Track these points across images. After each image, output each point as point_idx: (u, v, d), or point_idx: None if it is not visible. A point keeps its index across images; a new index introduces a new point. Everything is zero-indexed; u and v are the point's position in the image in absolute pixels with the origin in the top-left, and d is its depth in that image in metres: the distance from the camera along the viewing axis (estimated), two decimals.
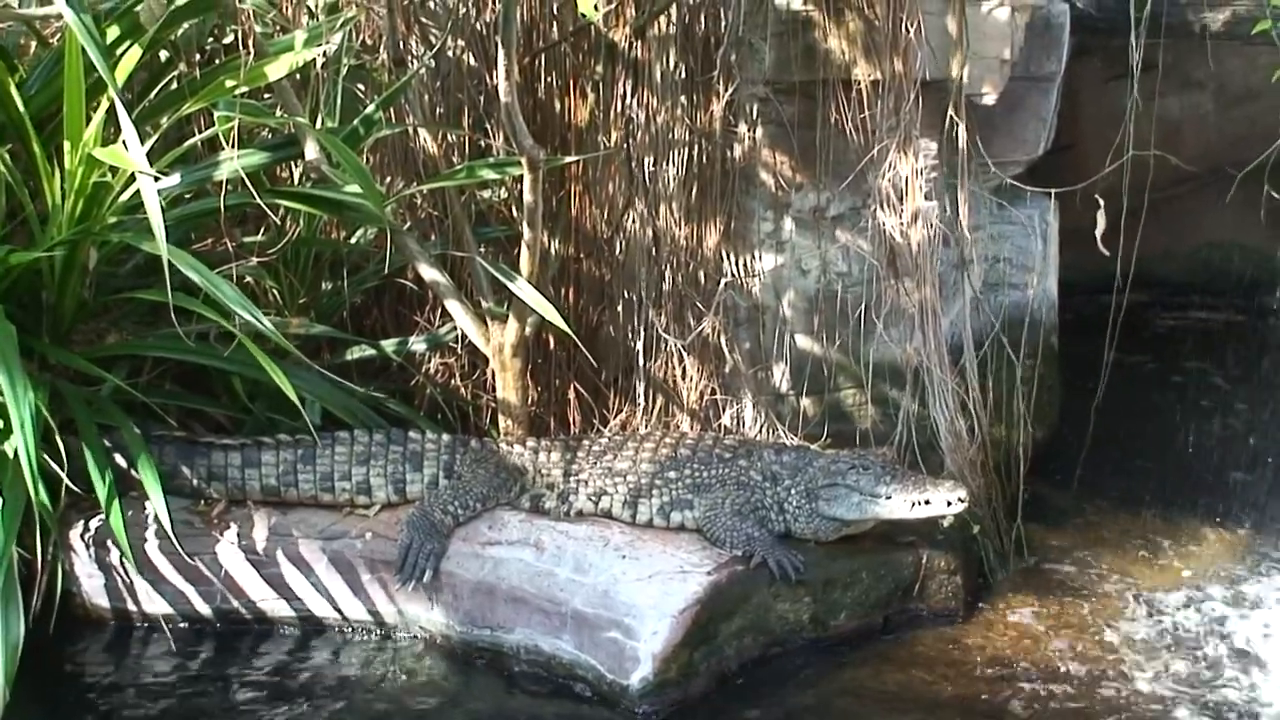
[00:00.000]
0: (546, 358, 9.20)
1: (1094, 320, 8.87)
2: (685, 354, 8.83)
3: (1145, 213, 8.48)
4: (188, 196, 8.30)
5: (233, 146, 7.46)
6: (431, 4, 9.13)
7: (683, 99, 8.68)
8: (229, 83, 7.42)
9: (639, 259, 8.86)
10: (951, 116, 8.24)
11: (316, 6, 8.73)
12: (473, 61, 9.13)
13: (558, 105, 9.03)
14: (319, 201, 8.22)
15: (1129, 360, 8.86)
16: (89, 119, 7.42)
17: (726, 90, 8.58)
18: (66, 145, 7.47)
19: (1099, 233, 8.06)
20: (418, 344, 9.16)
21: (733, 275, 8.83)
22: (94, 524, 7.94)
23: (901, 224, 8.25)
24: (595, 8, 7.75)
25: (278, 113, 8.07)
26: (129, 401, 8.07)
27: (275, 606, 7.98)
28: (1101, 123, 8.76)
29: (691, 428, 8.87)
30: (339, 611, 7.94)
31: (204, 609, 7.98)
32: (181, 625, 7.97)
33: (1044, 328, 9.14)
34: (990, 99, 8.50)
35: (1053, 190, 8.75)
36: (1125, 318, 8.67)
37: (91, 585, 7.98)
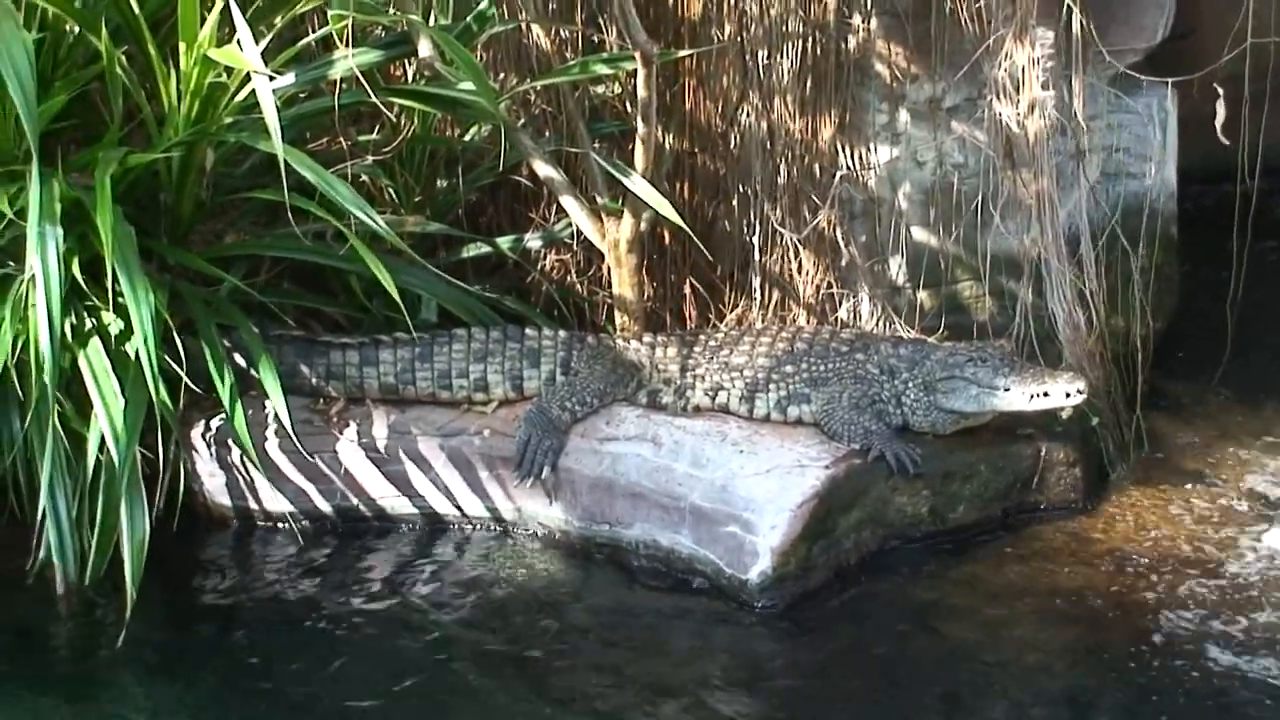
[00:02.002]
0: (662, 253, 9.15)
1: (1214, 209, 8.76)
2: (801, 248, 8.76)
3: (1268, 100, 8.31)
4: (302, 96, 8.29)
5: (346, 45, 7.42)
6: None
7: None
8: None
9: (753, 153, 8.77)
10: (1068, 4, 8.08)
11: None
12: None
13: None
14: (433, 99, 8.18)
15: (1252, 249, 8.69)
16: (203, 20, 7.39)
17: None
18: (182, 46, 7.45)
19: (1219, 122, 7.91)
20: (533, 241, 9.14)
21: (848, 168, 8.74)
22: (215, 423, 8.00)
23: (1018, 114, 8.11)
24: None
25: (391, 10, 8.03)
26: (247, 301, 8.11)
27: (395, 504, 8.03)
28: (1221, 7, 8.55)
29: (808, 322, 8.81)
30: (458, 508, 7.98)
31: (324, 507, 8.03)
32: (303, 523, 8.03)
33: (1162, 217, 9.02)
34: None
35: (1170, 79, 8.58)
36: (1247, 206, 8.53)
37: (213, 484, 8.05)
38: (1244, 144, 8.20)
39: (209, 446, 8.01)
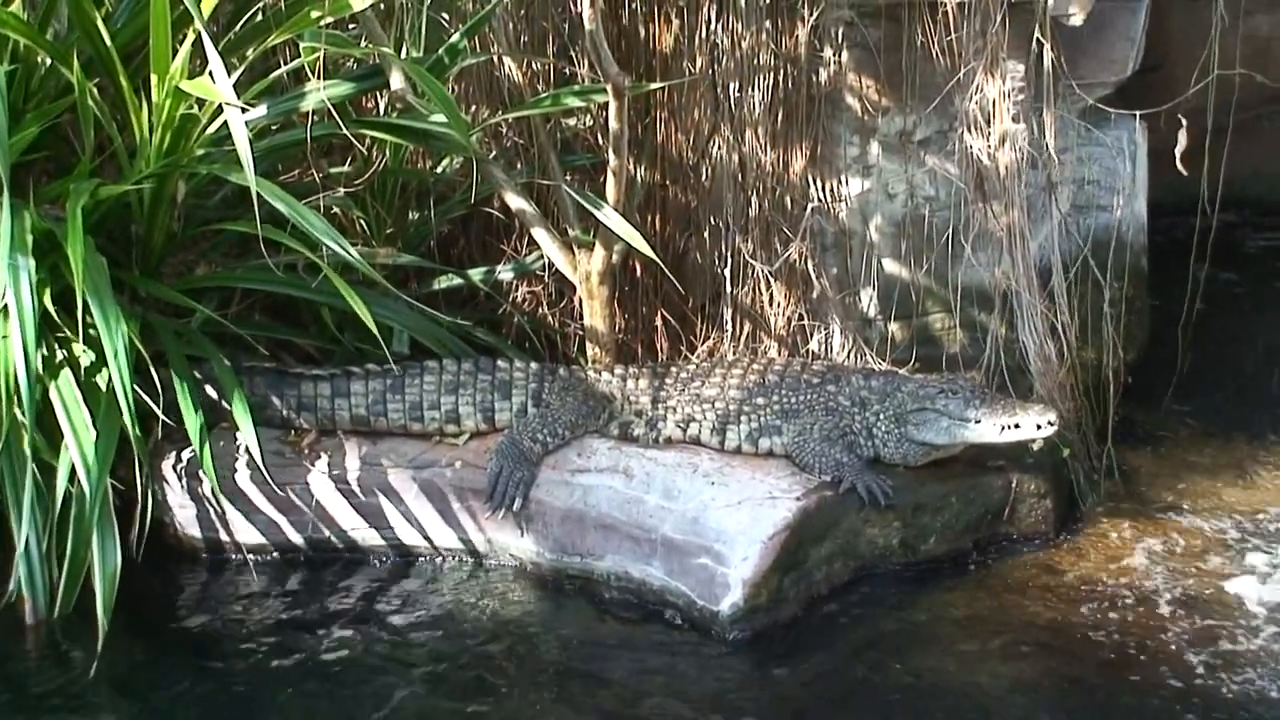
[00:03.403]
0: (633, 285, 9.17)
1: (1184, 242, 8.78)
2: (772, 280, 8.79)
3: (1233, 133, 8.38)
4: (274, 128, 8.33)
5: (319, 77, 7.46)
6: None
7: (767, 23, 8.60)
8: (314, 13, 7.39)
9: (725, 185, 8.80)
10: (1038, 38, 8.13)
11: None
12: None
13: (642, 31, 8.95)
14: (405, 131, 8.22)
15: (1219, 281, 8.75)
16: (175, 52, 7.41)
17: (812, 14, 8.51)
18: (154, 78, 7.47)
19: (1179, 152, 7.97)
20: (505, 272, 9.15)
21: (819, 200, 8.78)
22: (186, 455, 7.98)
23: (989, 147, 8.16)
24: None
25: (363, 43, 8.07)
26: (219, 333, 8.11)
27: (366, 535, 8.02)
28: (1189, 42, 8.62)
29: (779, 354, 8.83)
30: (429, 540, 7.98)
31: (295, 538, 8.02)
32: (273, 554, 8.04)
33: (1133, 249, 9.09)
34: (1078, 20, 8.37)
35: (1139, 112, 8.64)
36: (1215, 238, 8.58)
37: (184, 515, 8.04)
38: (1208, 176, 8.26)
39: (180, 478, 8.00)
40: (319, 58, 7.40)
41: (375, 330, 7.41)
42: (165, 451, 8.02)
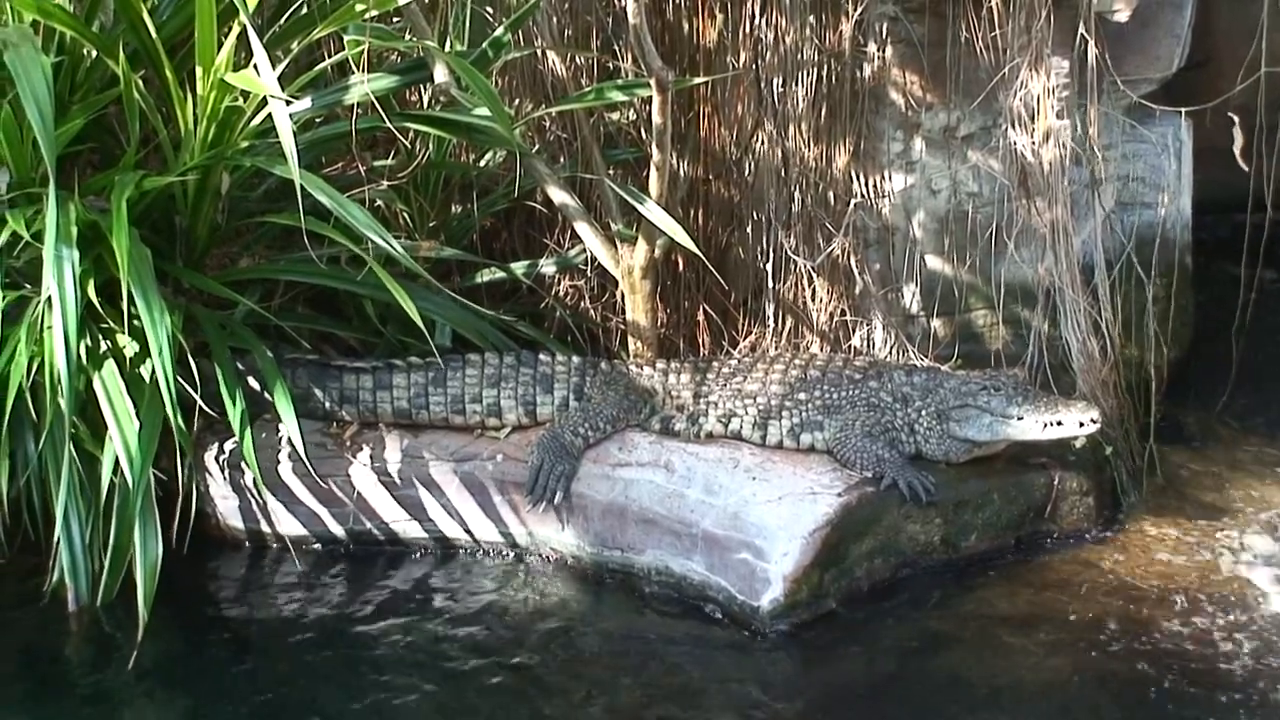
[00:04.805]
0: (676, 279, 9.18)
1: (1228, 239, 8.75)
2: (815, 275, 8.78)
3: None
4: (318, 121, 8.37)
5: (363, 70, 7.48)
6: None
7: (811, 18, 8.58)
8: (359, 7, 7.40)
9: (768, 180, 8.80)
10: (1083, 34, 8.10)
11: None
12: None
13: (686, 26, 8.96)
14: (448, 125, 8.23)
15: (1265, 279, 8.71)
16: (220, 44, 7.43)
17: (856, 9, 8.48)
18: (199, 70, 7.50)
19: (1237, 149, 7.94)
20: (547, 266, 9.17)
21: (862, 196, 8.76)
22: (229, 446, 8.04)
23: (1033, 143, 8.15)
24: None
25: (407, 36, 8.08)
26: (262, 325, 8.16)
27: (407, 528, 8.05)
28: (1236, 38, 8.59)
29: (821, 349, 8.83)
30: (470, 533, 8.00)
31: (337, 530, 8.06)
32: (315, 546, 8.08)
33: (1177, 247, 9.04)
34: (1123, 15, 8.34)
35: (1184, 109, 8.61)
36: (1261, 236, 8.55)
37: (226, 507, 8.09)
38: (1254, 173, 8.22)
39: (223, 470, 8.05)
40: (363, 51, 7.42)
41: (421, 324, 7.42)
42: (208, 443, 8.08)
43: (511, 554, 7.97)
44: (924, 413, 7.87)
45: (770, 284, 8.88)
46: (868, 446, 7.73)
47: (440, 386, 8.14)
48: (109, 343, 7.41)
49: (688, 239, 7.97)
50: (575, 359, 8.29)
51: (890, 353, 8.76)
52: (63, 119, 7.37)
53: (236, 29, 7.35)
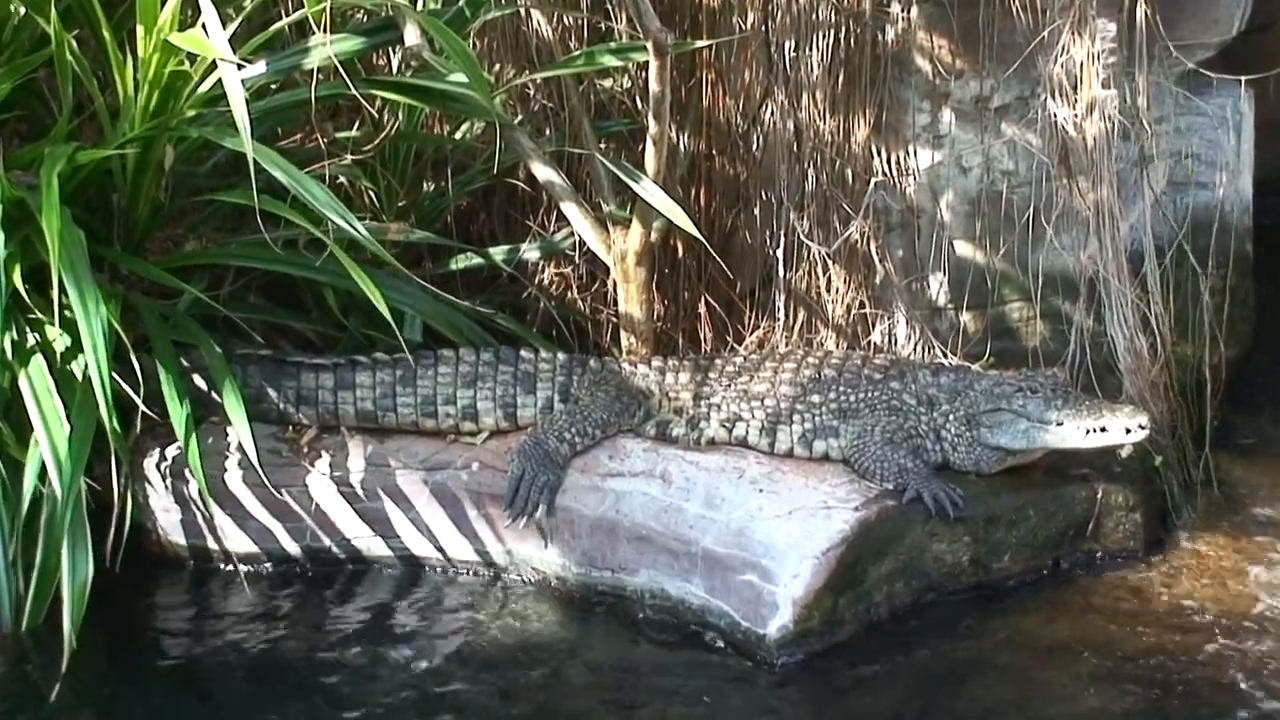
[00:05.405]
0: (674, 267, 9.17)
1: None
2: (830, 263, 8.78)
3: None
4: (274, 87, 8.34)
5: (324, 31, 7.46)
6: None
7: None
8: None
9: (778, 156, 8.79)
10: None
11: None
12: None
13: None
14: (420, 92, 8.22)
15: None
16: (164, 1, 7.42)
17: None
18: (140, 30, 7.48)
19: None
20: (530, 252, 9.17)
21: (884, 174, 8.77)
22: (171, 452, 8.00)
23: (1075, 115, 8.13)
24: None
25: None
26: (209, 316, 8.13)
27: (371, 545, 8.04)
28: None
29: (837, 346, 8.82)
30: (441, 551, 7.99)
31: (292, 548, 8.05)
32: (267, 566, 8.06)
33: (1236, 232, 9.05)
34: None
35: (1245, 78, 8.60)
36: None
37: (167, 521, 8.07)
38: None
39: (164, 479, 8.02)
40: (325, 9, 7.40)
41: (387, 314, 7.39)
42: (147, 448, 8.05)
43: (488, 575, 7.96)
44: (952, 417, 7.85)
45: (780, 272, 8.87)
46: (889, 455, 7.71)
47: (409, 386, 8.12)
48: (37, 336, 7.39)
49: (688, 221, 7.96)
50: (561, 356, 8.28)
51: (914, 350, 8.76)
52: None
53: None
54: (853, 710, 6.98)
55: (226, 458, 8.02)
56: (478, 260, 9.07)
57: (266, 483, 7.83)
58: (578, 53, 8.50)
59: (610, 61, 8.39)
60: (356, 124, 8.99)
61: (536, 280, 9.29)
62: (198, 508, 7.97)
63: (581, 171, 8.85)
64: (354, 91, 7.67)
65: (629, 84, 9.28)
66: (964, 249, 8.84)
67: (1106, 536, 7.94)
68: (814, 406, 7.93)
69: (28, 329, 7.38)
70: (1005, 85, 8.59)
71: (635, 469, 7.85)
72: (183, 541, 8.08)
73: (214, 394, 7.80)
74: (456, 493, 7.93)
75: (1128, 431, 7.60)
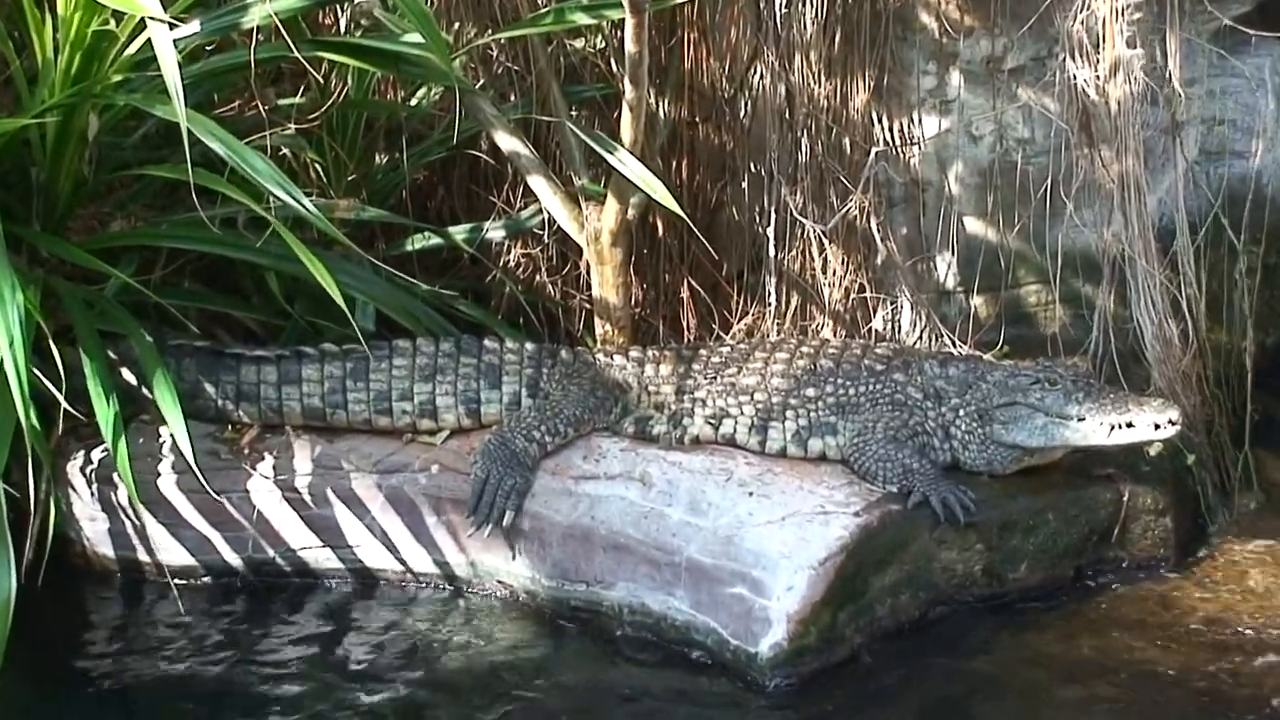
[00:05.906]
0: (654, 247, 9.18)
1: None
2: (826, 242, 8.78)
3: None
4: (209, 49, 8.29)
5: None
6: None
7: None
8: None
9: (769, 124, 8.79)
10: None
11: None
12: None
13: None
14: (371, 54, 8.20)
15: None
16: None
17: None
18: None
19: None
20: (494, 231, 9.18)
21: (885, 144, 8.77)
22: (97, 455, 7.98)
23: (1097, 78, 8.12)
24: None
25: None
26: (139, 303, 8.11)
27: (319, 556, 8.04)
28: None
29: (834, 334, 8.81)
30: (399, 562, 7.99)
31: (232, 559, 8.04)
32: (204, 579, 8.05)
33: (1275, 206, 9.02)
34: None
35: None
36: None
37: (94, 530, 8.06)
38: None
39: (90, 484, 8.01)
40: None
41: (339, 300, 7.34)
42: (71, 451, 8.03)
43: (449, 588, 7.96)
44: (962, 413, 7.85)
45: (771, 253, 8.88)
46: (892, 454, 7.70)
47: (361, 380, 8.11)
48: None
49: (669, 196, 7.93)
50: (529, 346, 8.28)
51: (920, 338, 8.76)
52: None
53: None
54: None
55: (159, 460, 8.01)
56: (436, 240, 9.08)
57: (204, 487, 7.74)
58: (545, 9, 8.45)
59: (582, 19, 8.34)
60: (301, 90, 8.98)
61: (501, 262, 9.30)
62: (127, 516, 7.96)
63: (551, 142, 8.86)
64: (297, 54, 7.62)
65: (603, 44, 9.28)
66: (974, 226, 8.85)
67: (1133, 543, 7.96)
68: (809, 401, 7.92)
69: None
70: (1020, 44, 8.61)
71: (612, 471, 7.84)
72: (111, 553, 8.07)
73: (145, 389, 7.78)
74: (414, 498, 7.92)
75: (1156, 427, 7.59)
